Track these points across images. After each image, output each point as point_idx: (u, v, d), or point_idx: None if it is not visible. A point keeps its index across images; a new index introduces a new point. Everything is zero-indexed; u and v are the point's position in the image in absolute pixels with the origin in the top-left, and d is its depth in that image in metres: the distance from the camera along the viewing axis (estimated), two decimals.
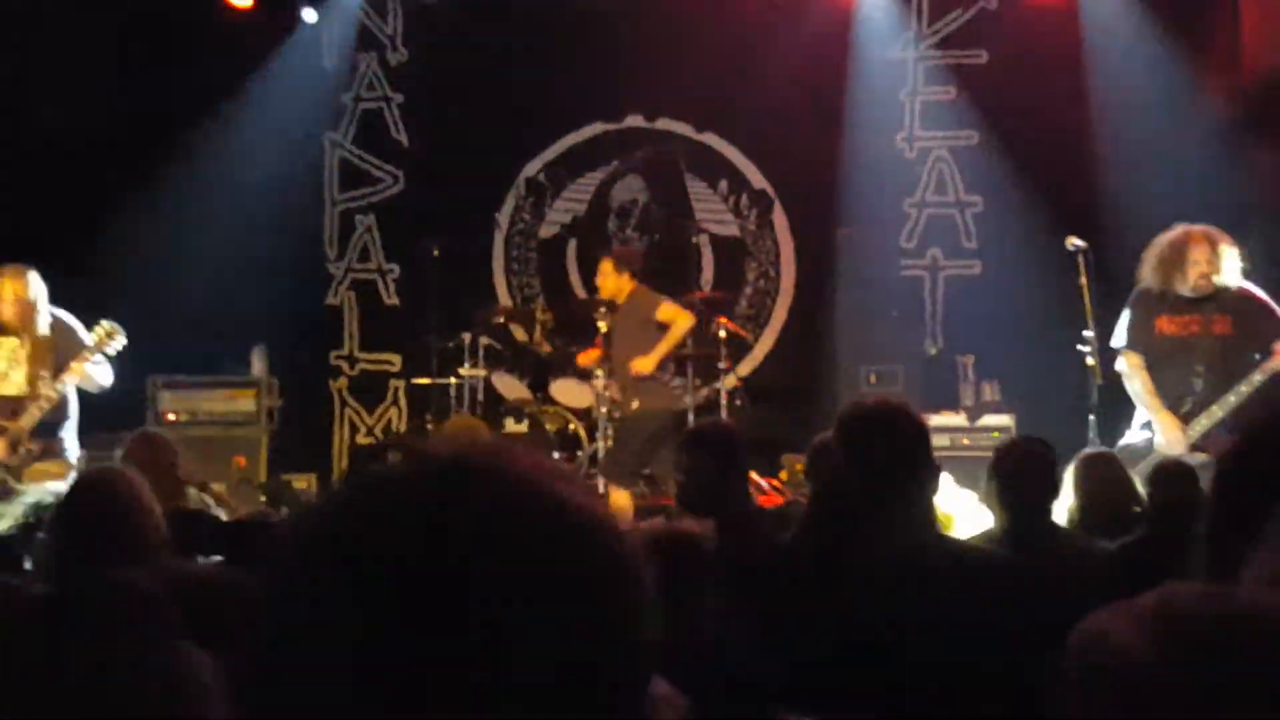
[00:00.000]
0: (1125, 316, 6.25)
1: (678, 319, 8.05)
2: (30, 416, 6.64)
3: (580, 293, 10.01)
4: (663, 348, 8.04)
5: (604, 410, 8.37)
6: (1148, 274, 6.13)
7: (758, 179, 10.11)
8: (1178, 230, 6.09)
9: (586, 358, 8.37)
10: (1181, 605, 1.10)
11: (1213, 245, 5.97)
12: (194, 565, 2.84)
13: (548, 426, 8.69)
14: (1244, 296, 6.06)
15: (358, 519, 0.95)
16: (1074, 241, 6.66)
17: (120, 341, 6.76)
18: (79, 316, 6.92)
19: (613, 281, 8.15)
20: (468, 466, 0.96)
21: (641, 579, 0.97)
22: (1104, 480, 4.50)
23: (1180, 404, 6.02)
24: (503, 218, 10.21)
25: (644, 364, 7.96)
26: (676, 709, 1.92)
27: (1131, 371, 6.16)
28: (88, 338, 6.77)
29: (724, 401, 8.70)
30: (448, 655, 0.88)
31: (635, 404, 8.05)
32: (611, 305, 8.20)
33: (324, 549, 0.95)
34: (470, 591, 0.89)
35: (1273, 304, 6.06)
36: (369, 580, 0.90)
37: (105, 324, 6.78)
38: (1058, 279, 6.92)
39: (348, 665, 0.89)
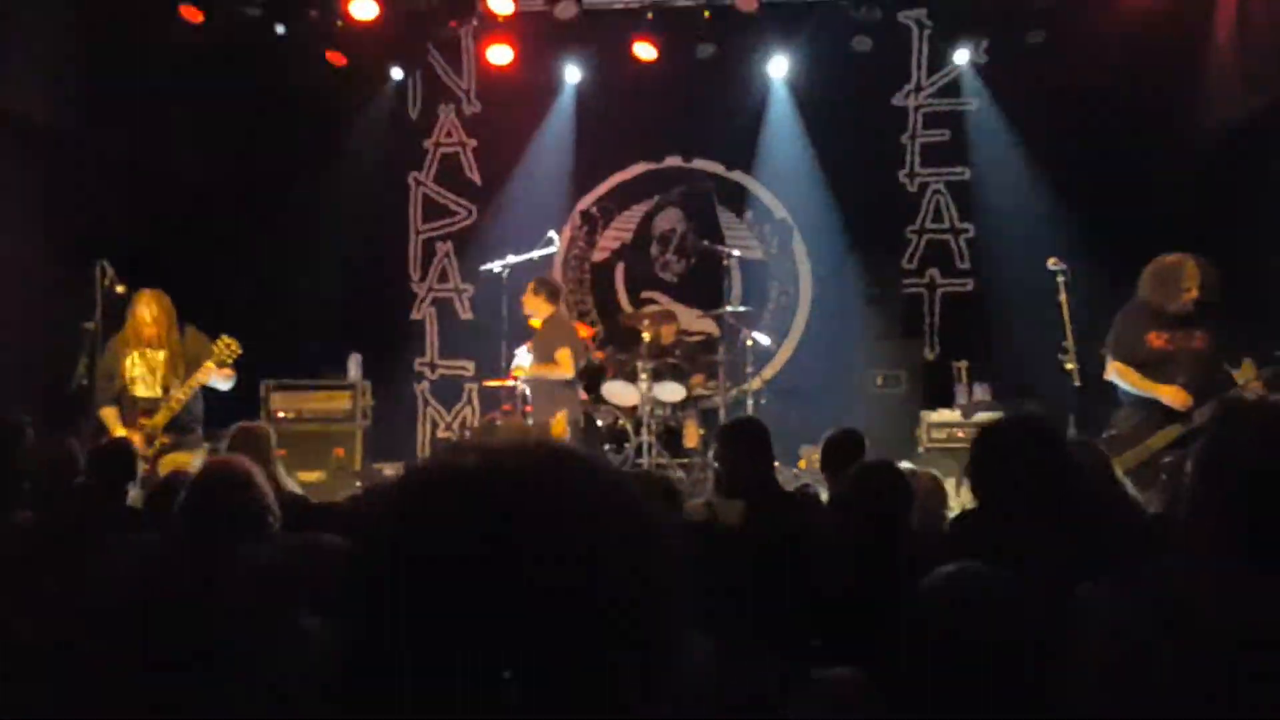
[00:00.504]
0: (1117, 326, 6.15)
1: (562, 365, 7.75)
2: (164, 415, 6.70)
3: (627, 308, 10.02)
4: (535, 369, 7.87)
5: (647, 409, 8.38)
6: (1145, 290, 6.05)
7: (779, 210, 10.10)
8: (1175, 256, 6.01)
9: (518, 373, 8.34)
10: (1173, 580, 1.09)
11: (1204, 272, 5.92)
12: (308, 538, 2.83)
13: (599, 422, 8.69)
14: (1216, 316, 6.01)
15: (433, 502, 0.95)
16: (1054, 263, 6.62)
17: (238, 352, 6.82)
18: (205, 331, 6.98)
19: (532, 303, 7.98)
20: (527, 457, 0.97)
21: (672, 547, 0.97)
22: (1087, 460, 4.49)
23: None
24: (558, 240, 10.21)
25: (520, 370, 8.00)
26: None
27: (1121, 375, 6.08)
28: (211, 349, 6.83)
29: (750, 400, 8.69)
30: (514, 616, 0.88)
31: (558, 414, 7.83)
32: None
33: (406, 528, 0.95)
34: (531, 561, 0.90)
35: (1234, 324, 6.03)
36: (447, 552, 0.91)
37: (225, 338, 6.83)
38: (1039, 295, 6.85)
39: (429, 625, 0.90)
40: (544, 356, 7.82)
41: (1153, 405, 5.89)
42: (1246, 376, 5.73)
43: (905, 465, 4.67)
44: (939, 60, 9.74)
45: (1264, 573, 1.29)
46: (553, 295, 8.01)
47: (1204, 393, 5.80)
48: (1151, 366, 5.99)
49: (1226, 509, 1.51)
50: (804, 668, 1.99)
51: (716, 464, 4.66)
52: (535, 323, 8.04)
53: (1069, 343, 6.47)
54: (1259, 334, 6.05)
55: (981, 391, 8.57)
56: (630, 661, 0.92)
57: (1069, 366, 6.46)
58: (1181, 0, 8.52)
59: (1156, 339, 5.98)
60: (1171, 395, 5.85)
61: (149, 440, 6.59)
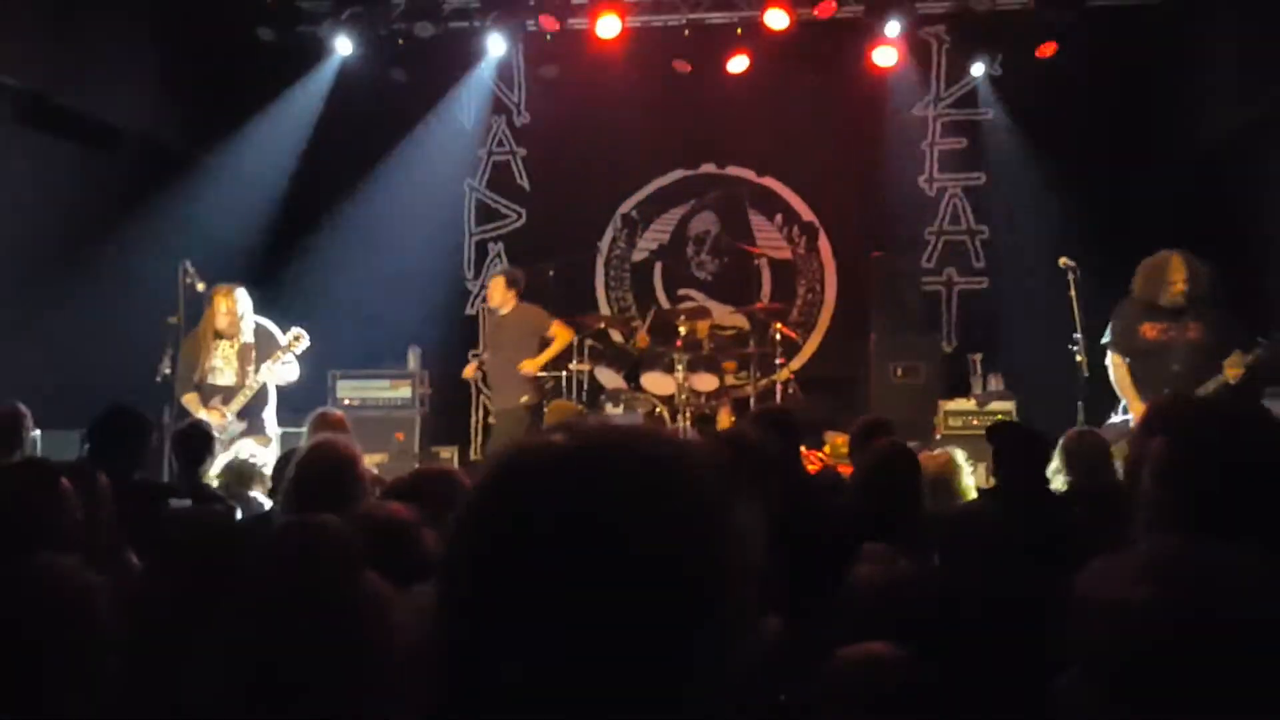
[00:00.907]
0: (1114, 321, 6.16)
1: (560, 334, 8.05)
2: (238, 402, 6.77)
3: (665, 305, 9.99)
4: (548, 354, 8.07)
5: (683, 398, 8.37)
6: (1136, 286, 6.08)
7: (807, 213, 10.04)
8: (1162, 253, 6.03)
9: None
10: (1169, 555, 1.07)
11: (1190, 267, 5.90)
12: (387, 506, 2.81)
13: (639, 410, 8.69)
14: (1214, 310, 5.99)
15: (527, 476, 0.95)
16: (1064, 261, 6.57)
17: (306, 343, 6.87)
18: (276, 323, 7.04)
19: (500, 295, 8.08)
20: (605, 437, 0.97)
21: (736, 509, 0.96)
22: (1088, 448, 4.48)
23: (1159, 392, 5.88)
24: (602, 245, 10.23)
25: (531, 365, 8.00)
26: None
27: (1115, 368, 6.09)
28: (282, 340, 6.89)
29: (779, 390, 8.65)
30: (599, 578, 0.88)
31: (524, 399, 8.03)
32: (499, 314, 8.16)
33: (502, 500, 0.95)
34: (614, 525, 0.90)
35: (1232, 317, 6.00)
36: (541, 528, 0.90)
37: (295, 330, 6.89)
38: (1051, 292, 6.78)
39: (520, 602, 0.89)
40: (522, 341, 8.02)
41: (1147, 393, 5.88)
42: (1234, 367, 5.71)
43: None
44: (957, 73, 9.65)
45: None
46: (517, 285, 8.10)
47: (1199, 382, 5.77)
48: (1147, 356, 5.99)
49: (1181, 506, 1.52)
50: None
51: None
52: (504, 313, 8.09)
53: (1079, 336, 6.42)
54: (1259, 328, 5.95)
55: (995, 382, 8.51)
56: (712, 634, 0.91)
57: (1079, 359, 6.42)
58: (1183, 14, 8.39)
59: (1150, 330, 6.00)
60: (1137, 413, 5.82)
61: (224, 424, 6.66)
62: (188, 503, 4.39)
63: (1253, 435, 1.71)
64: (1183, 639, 1.00)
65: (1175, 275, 5.91)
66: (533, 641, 0.88)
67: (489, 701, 0.90)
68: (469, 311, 10.42)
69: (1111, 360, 6.12)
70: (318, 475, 3.18)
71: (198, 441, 5.05)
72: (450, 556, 0.97)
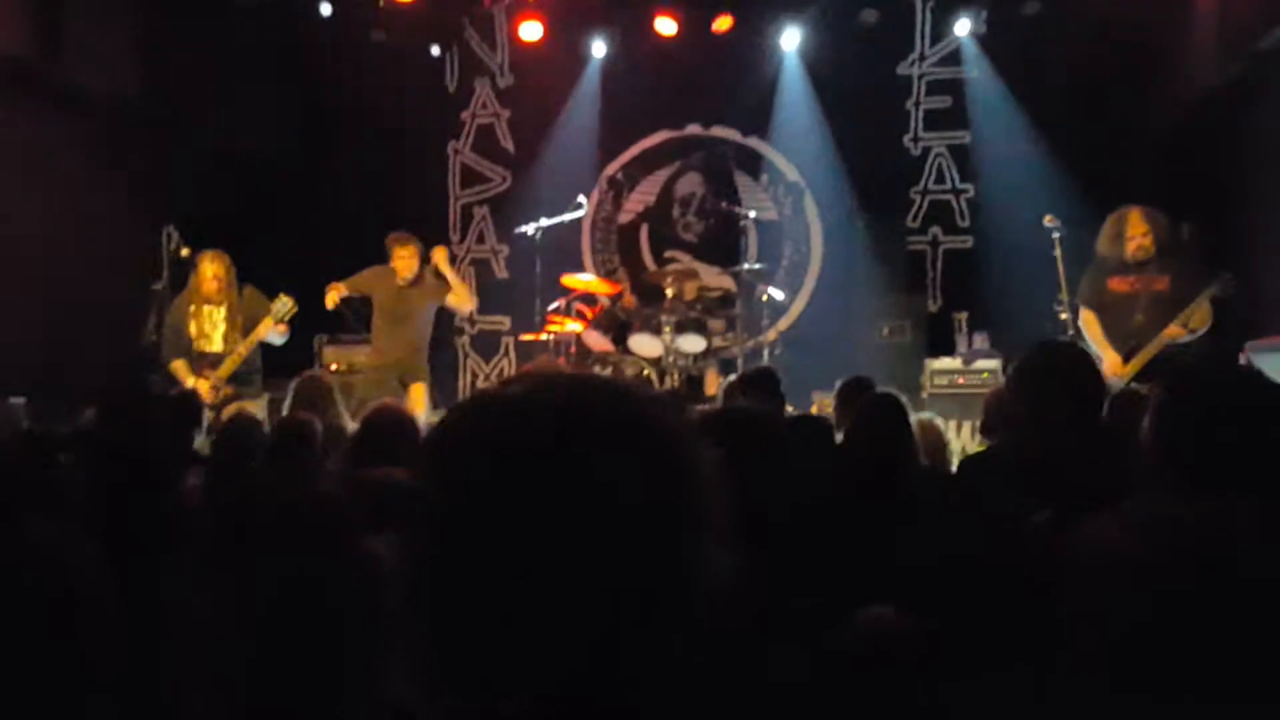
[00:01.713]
0: (1084, 279, 6.28)
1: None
2: (226, 367, 6.75)
3: (651, 267, 9.97)
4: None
5: (670, 359, 8.37)
6: (1101, 244, 6.22)
7: (792, 173, 10.02)
8: (1121, 209, 6.17)
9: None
10: (1161, 511, 1.08)
11: (1150, 220, 6.04)
12: (377, 471, 2.84)
13: (626, 372, 8.69)
14: (1181, 261, 6.13)
15: (502, 418, 0.97)
16: (1049, 220, 6.61)
17: (293, 309, 6.85)
18: (263, 289, 7.00)
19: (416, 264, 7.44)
20: (578, 382, 1.01)
21: (702, 454, 1.00)
22: None
23: (1125, 344, 6.07)
24: (586, 205, 10.16)
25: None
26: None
27: (1086, 324, 6.26)
28: (270, 306, 6.86)
29: (766, 351, 8.66)
30: (573, 518, 0.91)
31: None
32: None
33: (474, 443, 0.97)
34: (588, 467, 0.93)
35: (1201, 266, 6.10)
36: (514, 461, 0.93)
37: (282, 296, 6.87)
38: (1036, 251, 6.81)
39: (498, 532, 0.92)
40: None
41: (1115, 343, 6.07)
42: (1197, 309, 5.84)
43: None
44: (941, 31, 9.61)
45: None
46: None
47: (1157, 331, 5.90)
48: (1115, 307, 6.13)
49: (1178, 460, 1.55)
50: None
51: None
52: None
53: (1063, 294, 6.47)
54: (1241, 284, 6.02)
55: (980, 340, 8.54)
56: (684, 558, 0.95)
57: (1063, 316, 6.47)
58: None
59: (1119, 283, 6.16)
60: (1108, 362, 5.96)
61: (214, 390, 6.65)
62: None
63: (1247, 387, 1.72)
64: (1183, 592, 1.02)
65: (1135, 230, 6.04)
66: (512, 577, 0.91)
67: (475, 645, 0.93)
68: None
69: (1083, 316, 6.26)
70: (380, 431, 3.28)
71: (188, 409, 5.03)
72: (425, 497, 0.98)
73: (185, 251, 6.83)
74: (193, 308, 6.79)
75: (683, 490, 0.96)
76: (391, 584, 1.89)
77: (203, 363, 6.75)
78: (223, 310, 6.82)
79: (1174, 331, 5.88)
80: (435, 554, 0.95)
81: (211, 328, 6.81)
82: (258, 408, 6.55)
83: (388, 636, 1.82)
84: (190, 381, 6.58)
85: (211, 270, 6.72)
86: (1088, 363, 3.01)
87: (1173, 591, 1.04)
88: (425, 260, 7.43)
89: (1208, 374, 1.92)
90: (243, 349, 6.73)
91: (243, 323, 6.79)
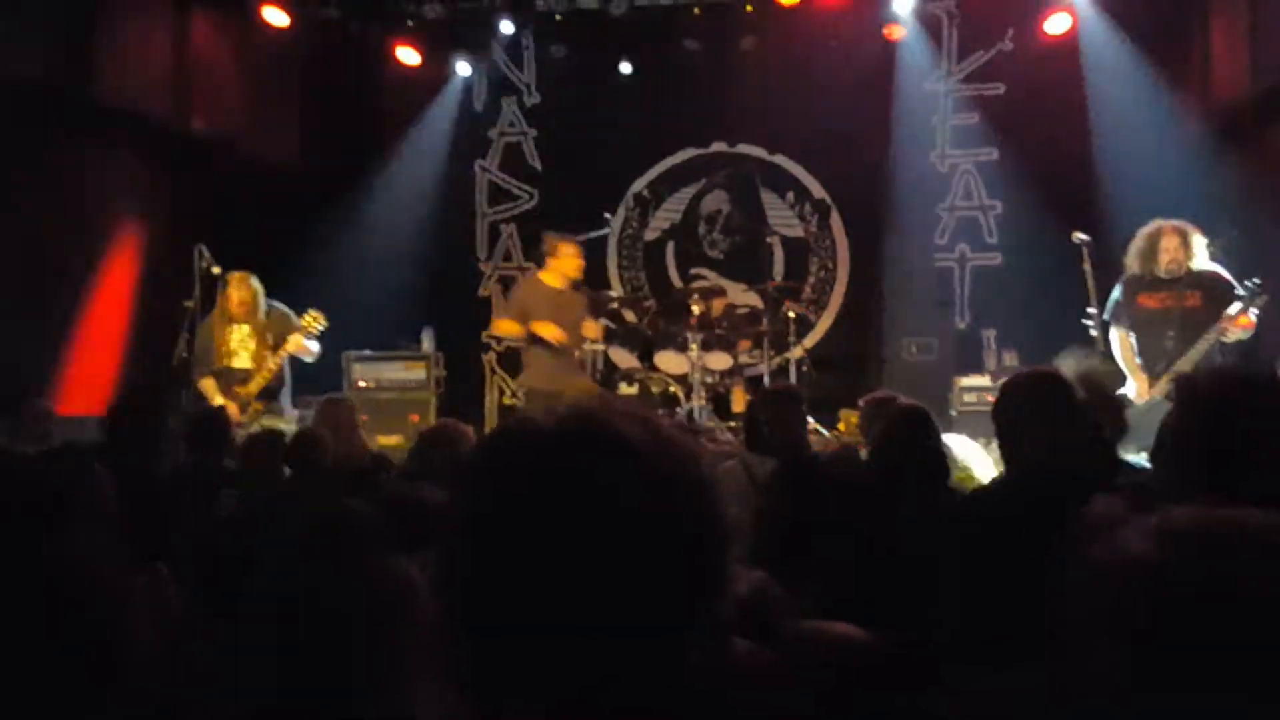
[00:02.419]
0: (1114, 296, 6.21)
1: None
2: (255, 384, 6.79)
3: (677, 284, 9.99)
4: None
5: (697, 376, 8.37)
6: (1131, 261, 6.12)
7: (818, 190, 10.02)
8: (1152, 225, 6.08)
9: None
10: (1180, 520, 1.08)
11: (1181, 236, 5.97)
12: (411, 489, 2.86)
13: (653, 389, 8.68)
14: (1212, 276, 6.00)
15: (515, 452, 1.02)
16: (1079, 236, 6.55)
17: (322, 325, 6.89)
18: (292, 307, 7.05)
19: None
20: (587, 417, 1.03)
21: (715, 487, 1.03)
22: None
23: (1156, 363, 5.97)
24: (614, 222, 10.22)
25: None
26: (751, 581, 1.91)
27: (1117, 342, 6.15)
28: (298, 323, 6.91)
29: (792, 368, 8.65)
30: (575, 534, 0.94)
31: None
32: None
33: (493, 473, 1.02)
34: (596, 496, 0.96)
35: (1235, 282, 5.96)
36: (545, 482, 0.97)
37: (311, 312, 6.91)
38: (1065, 266, 6.77)
39: (527, 549, 0.95)
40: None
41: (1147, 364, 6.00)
42: (1239, 318, 5.75)
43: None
44: (968, 47, 9.60)
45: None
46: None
47: (1190, 347, 5.83)
48: (1146, 326, 6.04)
49: (1193, 466, 1.54)
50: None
51: (751, 424, 4.62)
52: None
53: (1093, 310, 6.41)
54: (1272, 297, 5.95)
55: (1009, 357, 8.50)
56: (696, 586, 0.98)
57: (1093, 334, 6.40)
58: None
59: (1149, 300, 6.06)
60: (1136, 383, 5.94)
61: (243, 408, 6.70)
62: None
63: (1266, 398, 1.71)
64: (1199, 602, 1.02)
65: (1167, 243, 5.94)
66: (540, 592, 0.94)
67: (504, 655, 0.96)
68: (482, 293, 10.45)
69: (1115, 334, 6.18)
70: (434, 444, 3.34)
71: (215, 427, 5.07)
72: (459, 518, 1.02)
73: (216, 270, 6.90)
74: (222, 326, 6.85)
75: (702, 511, 1.00)
76: (414, 599, 1.90)
77: (232, 380, 6.80)
78: (251, 328, 6.88)
79: (1216, 334, 5.77)
80: (469, 569, 0.99)
81: (240, 345, 6.86)
82: (287, 424, 6.59)
83: (408, 652, 1.83)
84: (218, 400, 6.63)
85: (238, 295, 6.78)
86: (1049, 383, 3.00)
87: (1183, 599, 1.04)
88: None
89: (1221, 379, 1.91)
90: (272, 365, 6.77)
91: (272, 340, 6.84)
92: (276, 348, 6.78)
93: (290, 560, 2.08)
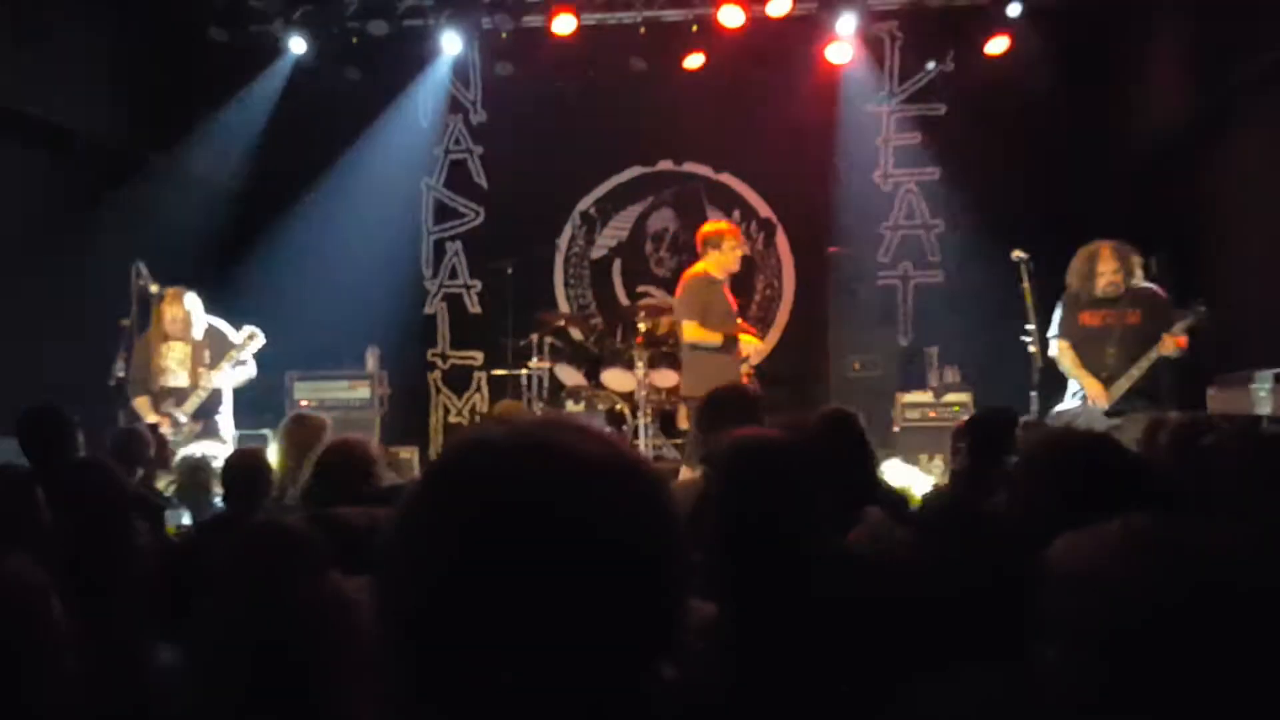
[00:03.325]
0: (1056, 312, 6.32)
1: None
2: (191, 403, 6.68)
3: (624, 302, 9.97)
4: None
5: (643, 394, 8.34)
6: (1071, 279, 6.21)
7: (764, 209, 10.07)
8: (1092, 245, 6.17)
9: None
10: (1139, 531, 1.06)
11: (1120, 257, 6.05)
12: (346, 510, 2.80)
13: (599, 407, 8.66)
14: (1150, 294, 6.14)
15: (467, 470, 0.96)
16: (1018, 254, 6.63)
17: (260, 343, 6.79)
18: (231, 324, 6.94)
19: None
20: (539, 432, 0.98)
21: (667, 497, 0.98)
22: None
23: (1097, 377, 6.07)
24: (561, 242, 10.20)
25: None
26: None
27: (1061, 354, 6.25)
28: (236, 339, 6.80)
29: None
30: (535, 561, 0.89)
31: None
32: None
33: (442, 492, 0.97)
34: (549, 513, 0.91)
35: (1169, 300, 6.11)
36: (478, 508, 0.92)
37: (248, 329, 6.81)
38: (1004, 284, 6.84)
39: (462, 571, 0.90)
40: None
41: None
42: (1177, 336, 5.86)
43: None
44: (910, 69, 9.71)
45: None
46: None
47: (1133, 361, 5.90)
48: (1087, 342, 6.14)
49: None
50: None
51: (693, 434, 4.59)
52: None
53: (1031, 327, 6.48)
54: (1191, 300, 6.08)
55: (951, 374, 8.59)
56: (651, 611, 0.93)
57: (1032, 350, 6.47)
58: (1135, 7, 8.49)
59: (1090, 318, 6.18)
60: (1092, 388, 6.02)
61: (176, 426, 6.56)
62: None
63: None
64: (1164, 610, 1.00)
65: (1105, 266, 6.05)
66: (498, 624, 0.89)
67: (456, 692, 0.90)
68: (427, 311, 10.36)
69: (1058, 346, 6.26)
70: (336, 468, 3.23)
71: (133, 445, 4.96)
72: (406, 548, 0.95)
73: (155, 288, 6.76)
74: (158, 344, 6.72)
75: (664, 540, 0.95)
76: (354, 618, 1.85)
77: (167, 399, 6.67)
78: (188, 347, 6.75)
79: (1162, 349, 5.86)
80: (421, 602, 0.93)
81: (176, 364, 6.74)
82: (222, 445, 6.45)
83: (357, 671, 1.78)
84: (151, 418, 6.49)
85: (171, 313, 6.70)
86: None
87: (1153, 609, 1.03)
88: None
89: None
90: (208, 384, 6.66)
91: (209, 358, 6.71)
92: (213, 366, 6.66)
93: (233, 581, 2.03)
